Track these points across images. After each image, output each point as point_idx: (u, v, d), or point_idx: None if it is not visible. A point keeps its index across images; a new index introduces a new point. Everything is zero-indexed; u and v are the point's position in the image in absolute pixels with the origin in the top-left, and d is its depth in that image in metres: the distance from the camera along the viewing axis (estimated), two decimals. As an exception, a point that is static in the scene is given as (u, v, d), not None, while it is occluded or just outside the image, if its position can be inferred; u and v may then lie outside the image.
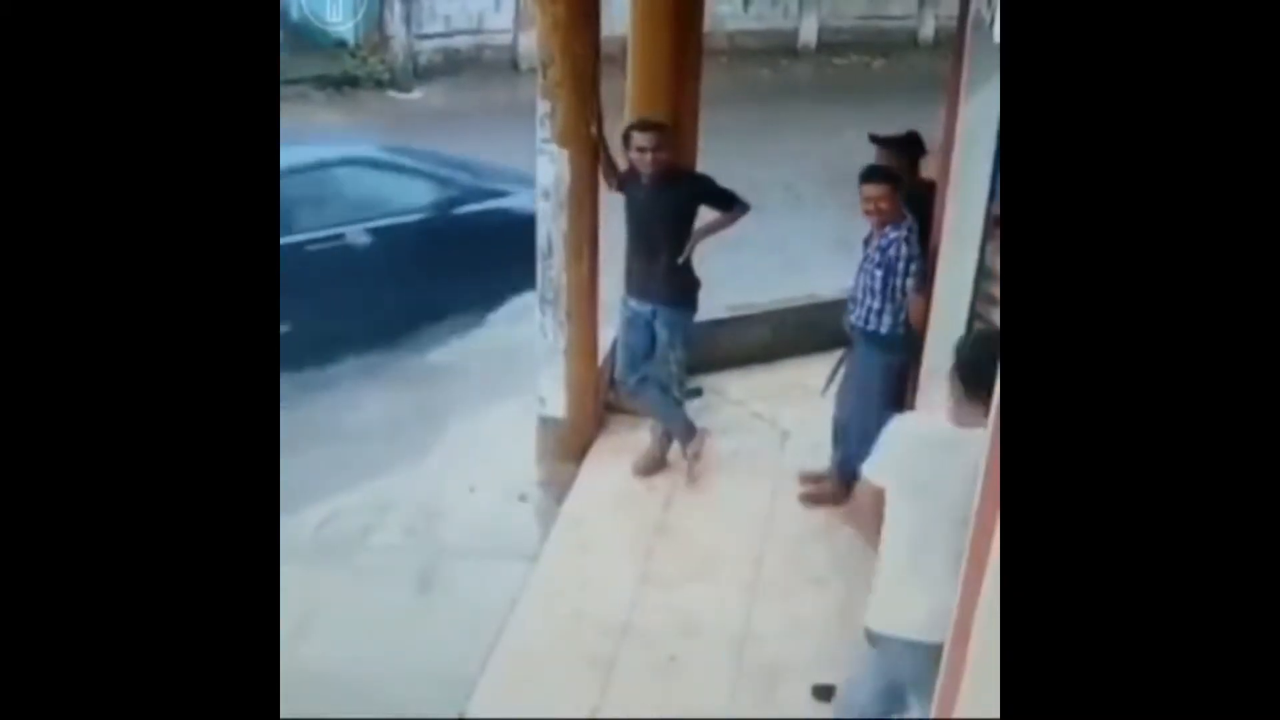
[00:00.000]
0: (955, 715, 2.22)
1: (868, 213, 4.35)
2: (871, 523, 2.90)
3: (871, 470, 2.89)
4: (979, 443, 2.29)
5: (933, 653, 2.51)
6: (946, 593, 2.42)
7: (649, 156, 4.49)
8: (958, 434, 2.73)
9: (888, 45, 15.76)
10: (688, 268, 4.72)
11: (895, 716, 3.05)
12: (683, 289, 4.74)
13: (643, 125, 4.57)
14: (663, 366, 4.88)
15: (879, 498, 2.86)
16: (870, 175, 4.36)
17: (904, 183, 4.44)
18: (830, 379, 4.79)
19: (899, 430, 2.93)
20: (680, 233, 4.65)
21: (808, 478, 4.86)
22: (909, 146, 4.77)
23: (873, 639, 2.97)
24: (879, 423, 4.57)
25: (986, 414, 2.35)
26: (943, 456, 2.73)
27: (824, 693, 3.66)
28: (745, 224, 4.72)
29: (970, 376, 2.70)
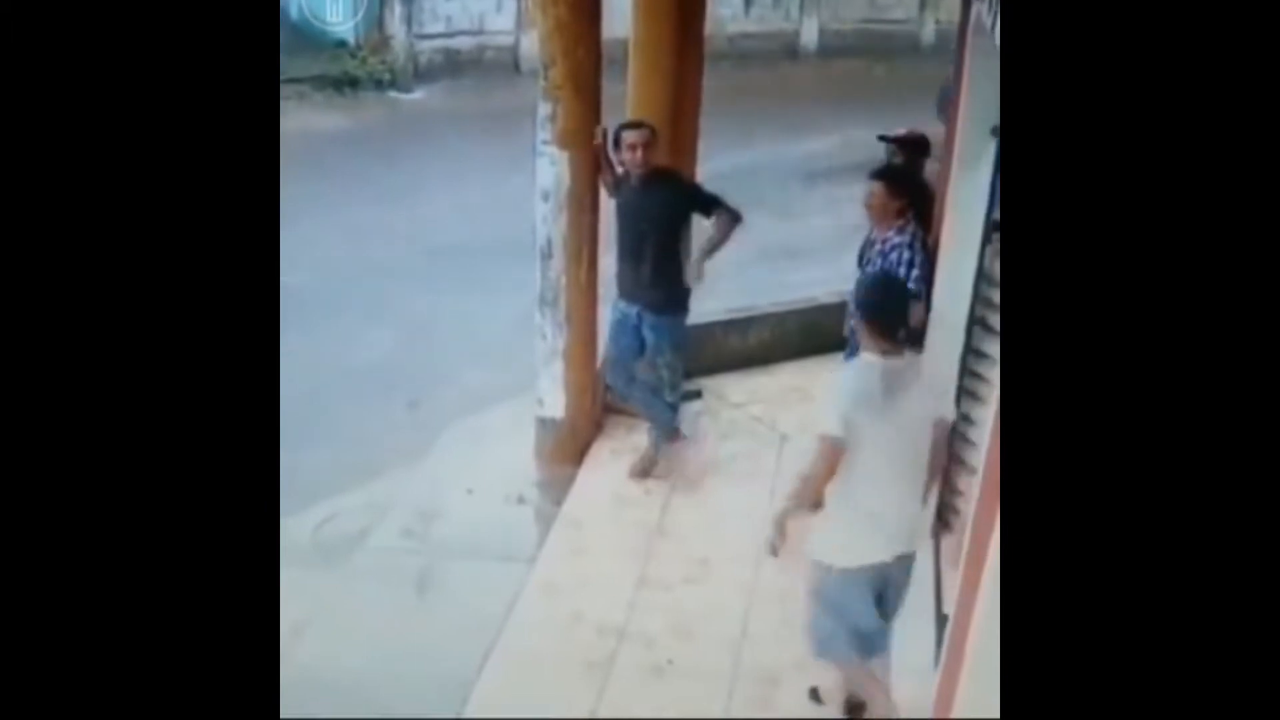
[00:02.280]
0: (955, 715, 2.23)
1: (868, 208, 4.38)
2: (829, 474, 3.15)
3: (829, 426, 3.11)
4: (913, 371, 3.14)
5: (877, 573, 3.20)
6: (891, 519, 3.15)
7: (638, 155, 4.52)
8: (892, 368, 3.11)
9: (888, 49, 15.78)
10: (677, 272, 4.71)
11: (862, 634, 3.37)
12: (669, 294, 4.72)
13: (633, 124, 4.63)
14: (650, 370, 4.88)
15: (839, 450, 3.10)
16: (872, 174, 4.43)
17: (907, 183, 4.44)
18: None
19: (843, 382, 3.23)
20: (666, 236, 4.64)
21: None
22: (914, 146, 4.78)
23: (828, 571, 3.29)
24: None
25: (892, 342, 3.11)
26: (891, 393, 3.09)
27: (821, 695, 3.67)
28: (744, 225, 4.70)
29: (868, 313, 3.15)
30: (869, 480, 3.14)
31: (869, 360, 3.15)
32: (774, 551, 3.28)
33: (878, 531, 3.21)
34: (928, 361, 3.63)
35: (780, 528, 3.26)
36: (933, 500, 3.48)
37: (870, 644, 3.38)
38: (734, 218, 4.55)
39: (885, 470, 3.15)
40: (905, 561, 3.31)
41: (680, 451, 4.95)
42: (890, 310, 3.18)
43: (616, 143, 4.62)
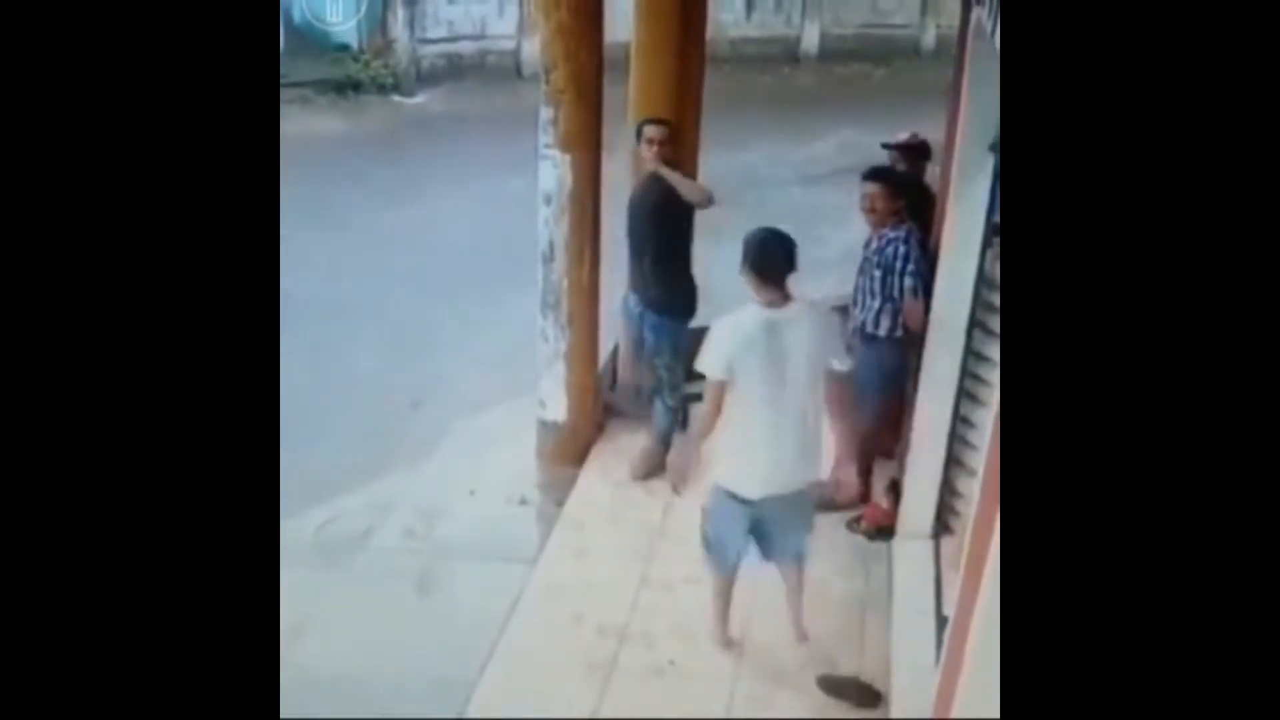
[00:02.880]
0: (955, 716, 2.23)
1: (865, 210, 4.40)
2: (716, 415, 3.49)
3: (709, 368, 3.46)
4: (798, 317, 3.43)
5: (797, 495, 3.60)
6: (763, 459, 3.49)
7: (655, 149, 4.62)
8: (778, 315, 3.42)
9: (889, 53, 15.78)
10: (680, 273, 4.72)
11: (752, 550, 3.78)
12: (671, 294, 4.75)
13: (654, 120, 4.74)
14: (649, 370, 4.89)
15: (722, 389, 3.44)
16: (868, 174, 4.47)
17: (905, 186, 4.47)
18: None
19: (725, 329, 3.49)
20: (667, 233, 4.69)
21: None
22: (915, 152, 4.80)
23: (714, 487, 3.68)
24: (875, 424, 4.64)
25: (778, 293, 3.41)
26: (775, 337, 3.40)
27: (829, 683, 3.68)
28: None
29: (756, 265, 3.43)
30: (747, 418, 3.47)
31: (752, 310, 3.45)
32: (676, 490, 3.79)
33: (752, 466, 3.54)
34: (833, 322, 3.78)
35: (678, 467, 3.75)
36: (830, 465, 3.81)
37: (733, 563, 3.78)
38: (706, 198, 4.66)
39: (764, 411, 3.46)
40: (784, 503, 3.61)
41: (680, 453, 4.95)
42: (774, 263, 3.44)
43: (638, 135, 4.73)
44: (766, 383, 3.42)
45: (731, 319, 3.50)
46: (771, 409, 3.45)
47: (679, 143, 4.92)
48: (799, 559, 3.83)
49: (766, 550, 3.79)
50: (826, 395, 3.53)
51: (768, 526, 3.69)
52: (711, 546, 3.80)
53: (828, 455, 3.75)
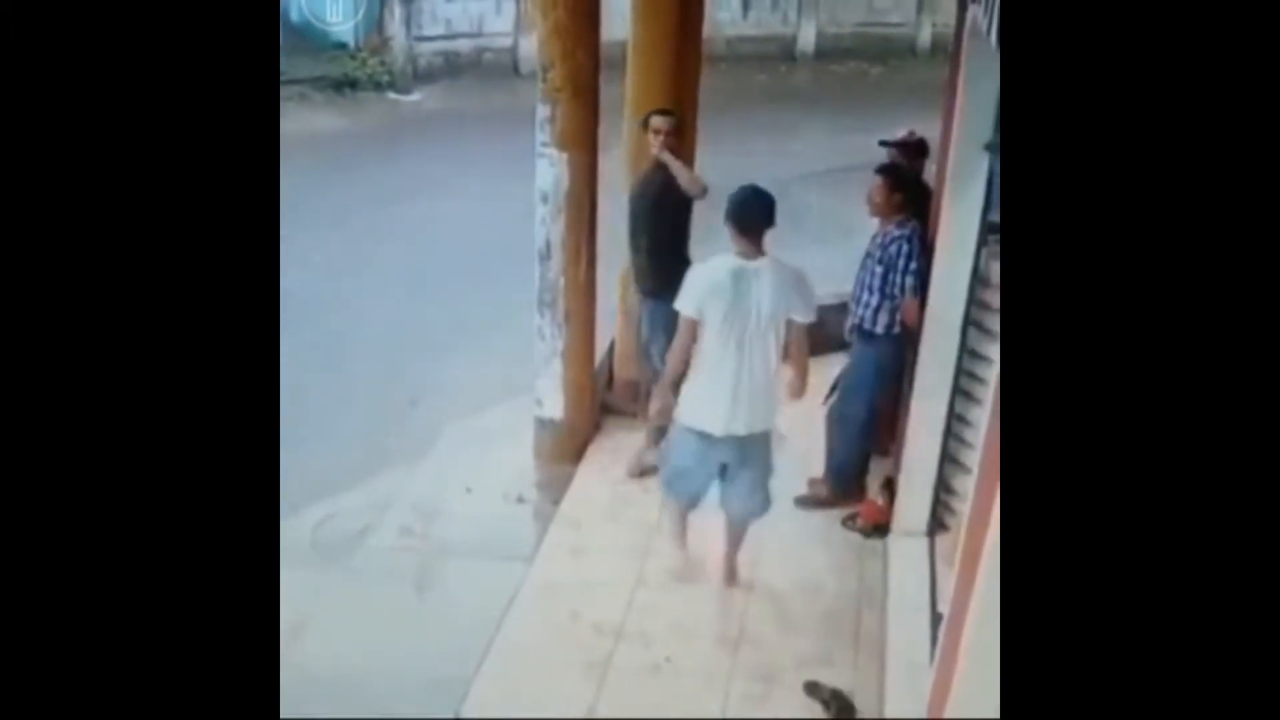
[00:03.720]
0: (949, 713, 2.24)
1: (869, 201, 4.51)
2: (687, 349, 3.85)
3: (682, 306, 3.83)
4: (767, 268, 3.73)
5: (753, 440, 3.92)
6: (724, 397, 3.81)
7: (661, 138, 4.69)
8: (749, 265, 3.74)
9: (885, 52, 15.79)
10: (674, 261, 4.73)
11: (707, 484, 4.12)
12: (666, 284, 4.72)
13: (661, 111, 4.81)
14: (646, 360, 4.90)
15: (692, 327, 3.80)
16: (877, 169, 4.58)
17: (902, 181, 4.49)
18: (833, 389, 4.81)
19: (701, 273, 3.86)
20: (660, 222, 4.73)
21: (813, 482, 4.87)
22: (913, 149, 4.82)
23: (691, 431, 3.97)
24: (867, 422, 4.66)
25: (752, 246, 3.75)
26: (743, 284, 3.73)
27: (816, 690, 3.69)
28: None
29: (735, 218, 3.77)
30: (713, 360, 3.81)
31: (726, 258, 3.80)
32: (654, 422, 4.21)
33: (715, 404, 3.86)
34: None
35: (660, 398, 4.02)
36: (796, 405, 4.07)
37: (691, 498, 4.16)
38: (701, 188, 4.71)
39: (728, 353, 3.77)
40: (744, 446, 3.94)
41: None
42: (752, 217, 3.77)
43: (644, 124, 4.78)
44: (730, 326, 3.75)
45: (706, 264, 3.88)
46: (735, 351, 3.78)
47: (679, 140, 4.93)
48: (745, 521, 4.16)
49: (724, 496, 4.11)
50: (785, 342, 3.83)
51: (729, 470, 4.01)
52: (671, 485, 4.19)
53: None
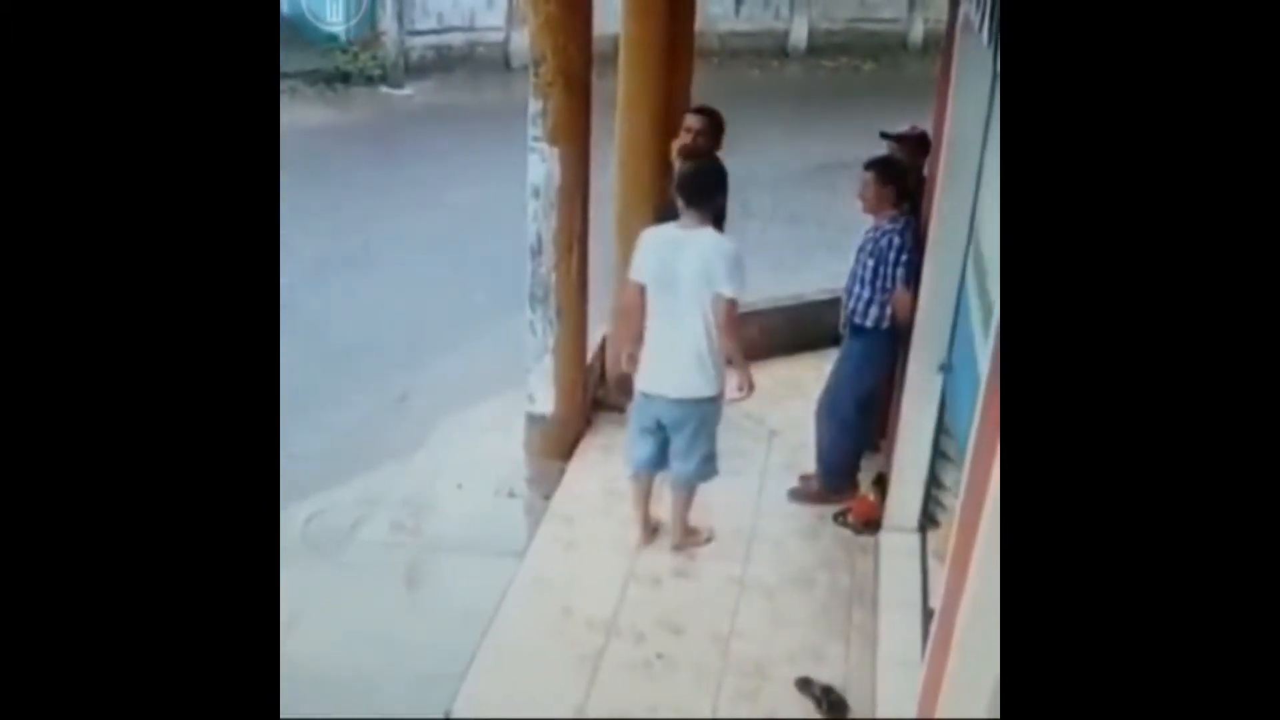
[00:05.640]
0: (940, 709, 2.25)
1: (860, 196, 4.51)
2: (635, 315, 4.15)
3: (631, 269, 4.10)
4: (699, 240, 3.94)
5: (682, 404, 4.14)
6: (662, 359, 4.09)
7: (690, 137, 4.81)
8: (686, 235, 3.98)
9: (877, 48, 15.84)
10: None
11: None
12: None
13: (697, 110, 4.99)
14: None
15: (638, 291, 4.08)
16: (866, 163, 4.57)
17: (894, 174, 4.48)
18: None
19: (645, 237, 4.11)
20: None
21: (805, 477, 4.88)
22: (915, 143, 4.81)
23: (639, 393, 4.27)
24: (857, 415, 4.66)
25: (699, 218, 3.96)
26: (675, 252, 3.97)
27: (808, 686, 3.69)
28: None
29: (686, 192, 4.00)
30: (654, 322, 4.08)
31: (668, 227, 4.06)
32: (626, 369, 4.33)
33: (650, 364, 4.14)
34: (728, 253, 4.01)
35: (628, 360, 4.25)
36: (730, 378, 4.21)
37: (639, 462, 4.35)
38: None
39: (660, 316, 4.05)
40: (678, 406, 4.16)
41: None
42: (697, 191, 4.00)
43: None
44: (660, 290, 4.01)
45: (652, 231, 4.15)
46: (666, 315, 4.03)
47: (671, 136, 4.94)
48: (690, 487, 4.37)
49: (667, 459, 4.32)
50: (714, 315, 3.97)
51: (668, 432, 4.24)
52: (627, 450, 4.47)
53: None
